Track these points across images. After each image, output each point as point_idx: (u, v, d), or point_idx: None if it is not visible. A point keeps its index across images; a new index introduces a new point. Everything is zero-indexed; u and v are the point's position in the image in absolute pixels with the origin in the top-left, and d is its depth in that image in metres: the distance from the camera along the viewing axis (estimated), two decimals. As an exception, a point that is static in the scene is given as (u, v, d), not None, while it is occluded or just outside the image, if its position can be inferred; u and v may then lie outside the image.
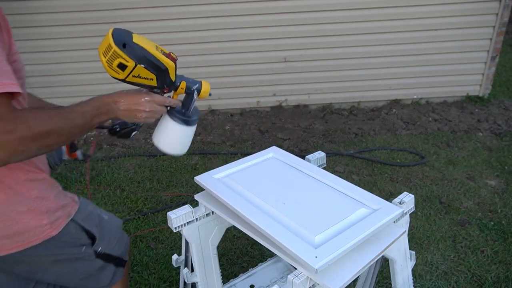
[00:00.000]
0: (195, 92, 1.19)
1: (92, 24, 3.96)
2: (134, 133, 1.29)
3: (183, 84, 1.17)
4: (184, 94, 1.20)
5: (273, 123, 4.15)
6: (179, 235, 2.53)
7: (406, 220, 1.42)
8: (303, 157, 1.69)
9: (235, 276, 2.12)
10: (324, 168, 1.60)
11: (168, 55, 1.08)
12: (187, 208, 1.45)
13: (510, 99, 4.67)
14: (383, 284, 2.15)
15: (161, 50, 1.08)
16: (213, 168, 1.59)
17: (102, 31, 4.28)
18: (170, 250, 2.44)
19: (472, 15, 4.19)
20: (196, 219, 1.47)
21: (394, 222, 1.34)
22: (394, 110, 4.38)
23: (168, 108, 1.18)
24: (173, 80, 1.13)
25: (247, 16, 4.04)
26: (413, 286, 1.90)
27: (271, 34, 4.15)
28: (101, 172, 3.32)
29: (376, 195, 1.34)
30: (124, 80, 1.07)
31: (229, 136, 3.89)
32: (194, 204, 1.52)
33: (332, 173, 1.50)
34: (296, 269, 1.12)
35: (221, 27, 4.08)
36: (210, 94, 1.22)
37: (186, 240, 1.52)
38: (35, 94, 2.07)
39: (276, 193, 1.36)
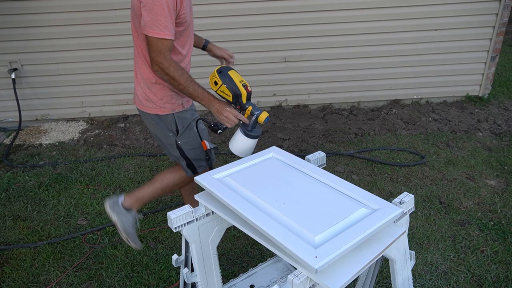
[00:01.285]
0: (255, 116, 1.71)
1: (92, 24, 3.96)
2: (219, 131, 1.78)
3: (249, 108, 1.71)
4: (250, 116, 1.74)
5: (273, 123, 4.15)
6: (179, 235, 2.53)
7: (406, 220, 1.42)
8: (303, 157, 1.69)
9: (235, 276, 2.13)
10: (324, 168, 1.60)
11: (245, 87, 1.70)
12: (187, 208, 1.45)
13: (510, 99, 4.67)
14: (383, 284, 2.15)
15: (243, 83, 1.71)
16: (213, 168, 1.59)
17: (102, 31, 4.30)
18: (170, 250, 2.44)
19: (472, 15, 4.19)
20: (196, 219, 1.47)
21: (394, 222, 1.34)
22: (394, 110, 4.38)
23: (241, 122, 1.74)
24: (244, 103, 1.70)
25: (247, 16, 4.04)
26: (413, 286, 1.90)
27: (271, 34, 4.15)
28: (101, 172, 3.32)
29: (376, 195, 1.35)
30: (216, 91, 1.73)
31: (229, 136, 3.90)
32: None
33: (332, 173, 1.50)
34: (296, 269, 1.12)
35: (221, 27, 4.08)
36: (265, 121, 1.72)
37: (186, 240, 1.52)
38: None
39: (276, 193, 1.36)
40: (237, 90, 1.68)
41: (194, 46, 2.20)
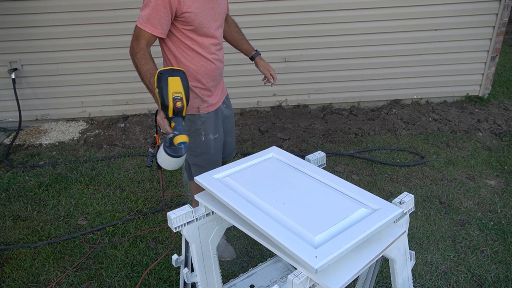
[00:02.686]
0: (172, 135, 1.59)
1: (92, 24, 3.96)
2: (161, 130, 1.69)
3: (172, 124, 1.60)
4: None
5: (273, 123, 4.15)
6: (179, 235, 2.53)
7: (406, 220, 1.42)
8: (303, 157, 1.69)
9: (235, 276, 2.13)
10: (324, 168, 1.60)
11: (175, 100, 1.57)
12: (187, 208, 1.45)
13: (510, 99, 4.67)
14: (383, 284, 2.15)
15: (175, 95, 1.57)
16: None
17: (102, 31, 4.30)
18: (170, 250, 2.44)
19: (472, 15, 4.19)
20: (196, 219, 1.47)
21: (394, 222, 1.34)
22: (394, 110, 4.38)
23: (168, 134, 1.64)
24: (169, 116, 1.60)
25: (247, 16, 4.04)
26: (413, 286, 1.90)
27: (271, 34, 4.15)
28: (101, 172, 3.32)
29: (376, 195, 1.34)
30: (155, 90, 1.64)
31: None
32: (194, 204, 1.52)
33: (332, 173, 1.50)
34: (296, 269, 1.12)
35: (221, 27, 4.08)
36: (179, 145, 1.57)
37: (186, 240, 1.52)
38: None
39: (276, 193, 1.36)
40: (166, 101, 1.57)
41: (244, 54, 2.24)
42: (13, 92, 4.06)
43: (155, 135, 1.84)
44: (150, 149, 1.85)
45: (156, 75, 1.59)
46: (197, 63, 1.90)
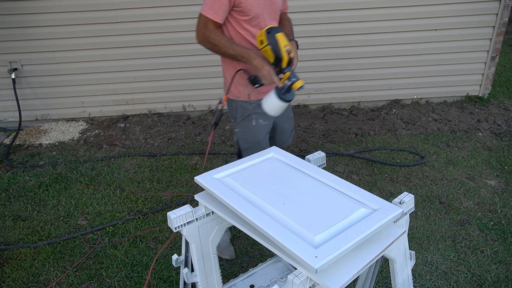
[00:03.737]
0: (291, 82, 1.78)
1: (92, 24, 3.96)
2: (256, 85, 1.92)
3: (287, 74, 1.79)
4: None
5: (273, 123, 4.15)
6: (179, 235, 2.53)
7: (406, 220, 1.42)
8: (303, 157, 1.69)
9: (235, 276, 2.13)
10: (324, 168, 1.60)
11: (288, 52, 1.76)
12: (187, 208, 1.45)
13: (510, 99, 4.67)
14: (383, 284, 2.15)
15: (287, 48, 1.75)
16: (213, 168, 1.59)
17: (102, 31, 4.29)
18: (170, 250, 2.44)
19: (472, 15, 4.19)
20: (196, 219, 1.47)
21: (394, 222, 1.34)
22: (394, 110, 4.38)
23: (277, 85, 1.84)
24: (283, 67, 1.79)
25: (247, 16, 4.04)
26: (413, 286, 1.90)
27: (271, 34, 4.15)
28: (101, 172, 3.32)
29: (376, 195, 1.34)
30: (260, 49, 1.81)
31: (229, 136, 3.89)
32: (194, 204, 1.52)
33: (332, 173, 1.50)
34: (296, 269, 1.12)
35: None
36: (299, 89, 1.78)
37: (186, 240, 1.52)
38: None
39: (276, 193, 1.36)
40: (280, 54, 1.75)
41: None
42: (13, 92, 4.06)
43: (223, 95, 2.02)
44: (219, 105, 2.01)
45: (265, 34, 1.75)
46: None
